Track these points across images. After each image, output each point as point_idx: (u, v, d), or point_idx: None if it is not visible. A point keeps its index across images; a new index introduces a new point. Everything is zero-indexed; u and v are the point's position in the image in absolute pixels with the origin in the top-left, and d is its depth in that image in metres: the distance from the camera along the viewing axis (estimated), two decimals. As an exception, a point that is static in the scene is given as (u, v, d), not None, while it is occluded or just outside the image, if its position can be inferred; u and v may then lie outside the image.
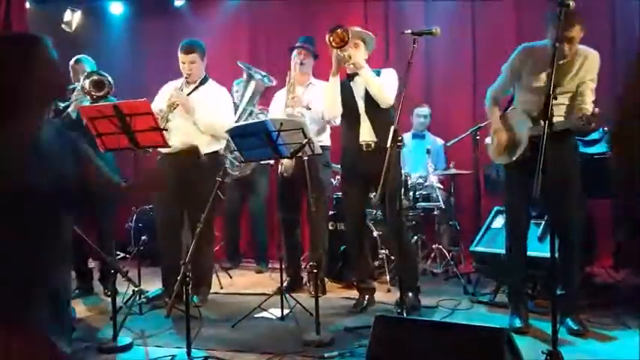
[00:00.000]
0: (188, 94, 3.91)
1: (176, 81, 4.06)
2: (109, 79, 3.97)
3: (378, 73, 3.65)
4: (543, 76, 3.11)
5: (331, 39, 3.45)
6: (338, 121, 4.19)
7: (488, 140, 3.49)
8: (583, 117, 2.89)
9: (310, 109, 4.09)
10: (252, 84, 4.79)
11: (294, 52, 4.28)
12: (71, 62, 4.29)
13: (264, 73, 4.81)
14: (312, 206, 3.50)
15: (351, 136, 3.69)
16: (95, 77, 3.96)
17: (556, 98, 2.99)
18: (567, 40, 3.00)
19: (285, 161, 4.04)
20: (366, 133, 3.63)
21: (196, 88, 3.97)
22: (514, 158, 3.23)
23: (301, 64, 4.22)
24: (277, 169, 4.23)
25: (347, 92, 3.68)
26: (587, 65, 3.11)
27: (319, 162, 4.02)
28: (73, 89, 4.09)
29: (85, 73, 4.04)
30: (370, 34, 3.70)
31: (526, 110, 3.22)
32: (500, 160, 3.37)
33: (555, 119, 3.09)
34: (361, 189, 3.69)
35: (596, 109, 2.92)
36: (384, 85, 3.55)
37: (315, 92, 4.25)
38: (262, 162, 4.55)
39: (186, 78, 3.94)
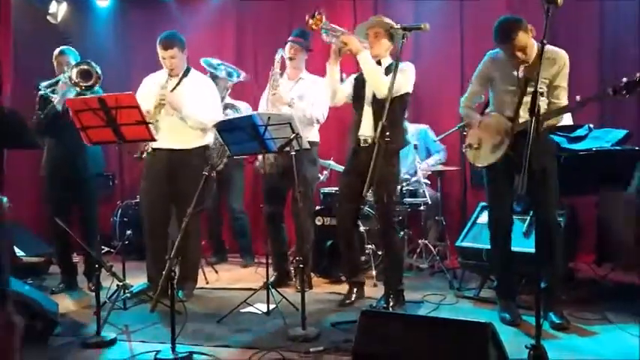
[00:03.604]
0: (173, 89, 3.86)
1: (156, 73, 3.99)
2: (97, 68, 3.91)
3: (395, 65, 3.54)
4: (510, 79, 3.24)
5: (312, 22, 3.44)
6: (322, 119, 4.19)
7: (470, 153, 3.47)
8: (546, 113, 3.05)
9: (291, 106, 4.07)
10: (217, 82, 4.75)
11: (286, 47, 4.23)
12: (55, 53, 4.21)
13: (230, 67, 4.76)
14: (298, 202, 3.48)
15: (354, 129, 3.68)
16: (83, 67, 3.88)
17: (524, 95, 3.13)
18: (519, 51, 3.12)
19: (260, 157, 4.03)
20: (366, 128, 3.59)
21: (180, 81, 3.91)
22: (496, 159, 3.28)
23: (291, 59, 4.19)
24: (256, 162, 4.21)
25: (361, 85, 3.64)
26: (557, 66, 3.15)
27: (304, 158, 4.00)
28: (57, 81, 4.03)
29: (73, 63, 3.97)
30: (396, 25, 3.35)
31: (501, 111, 3.30)
32: (482, 162, 3.39)
33: (526, 118, 3.16)
34: (356, 183, 3.65)
35: (578, 97, 2.98)
36: (381, 75, 3.45)
37: (305, 87, 4.23)
38: (236, 157, 4.52)
39: (169, 73, 3.88)
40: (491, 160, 3.32)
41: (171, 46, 3.82)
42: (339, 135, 5.42)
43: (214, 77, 4.71)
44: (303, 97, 4.17)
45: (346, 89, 3.72)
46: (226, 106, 4.74)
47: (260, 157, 4.09)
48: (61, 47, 4.24)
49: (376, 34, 3.57)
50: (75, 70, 3.85)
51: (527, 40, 3.11)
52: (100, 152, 4.28)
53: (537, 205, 3.18)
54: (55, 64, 4.20)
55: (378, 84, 3.44)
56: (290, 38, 4.27)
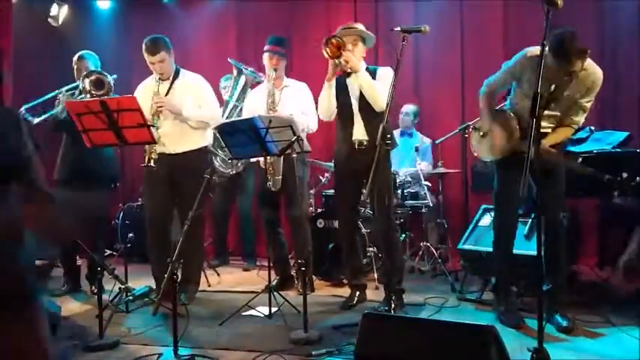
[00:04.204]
0: (166, 94, 3.85)
1: (148, 80, 3.99)
2: (109, 77, 3.93)
3: (375, 70, 3.62)
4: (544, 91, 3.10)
5: (328, 50, 3.40)
6: (315, 128, 4.17)
7: (474, 135, 3.43)
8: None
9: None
10: (242, 79, 4.76)
11: (266, 58, 4.20)
12: (74, 58, 4.21)
13: (251, 69, 4.78)
14: (295, 205, 3.45)
15: (345, 134, 3.68)
16: (93, 77, 3.91)
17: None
18: (570, 74, 2.94)
19: (273, 178, 4.02)
20: (359, 132, 3.61)
21: (172, 84, 3.88)
22: (492, 158, 3.29)
23: (275, 69, 4.14)
24: (266, 181, 4.07)
25: (342, 90, 3.65)
26: (589, 84, 3.06)
27: (296, 160, 4.01)
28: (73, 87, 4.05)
29: (84, 73, 4.00)
30: (370, 33, 3.67)
31: (521, 116, 3.22)
32: (480, 153, 3.40)
33: (543, 130, 3.12)
34: (353, 187, 3.67)
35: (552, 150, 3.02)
36: (380, 89, 3.48)
37: (290, 94, 4.19)
38: (252, 160, 4.53)
39: (160, 77, 3.87)
40: (487, 158, 3.35)
41: (158, 51, 3.77)
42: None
43: (239, 74, 4.72)
44: (294, 106, 4.12)
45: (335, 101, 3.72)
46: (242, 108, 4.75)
47: (269, 176, 4.04)
48: (81, 52, 4.25)
49: (355, 40, 3.60)
50: (87, 80, 3.88)
51: (581, 67, 2.95)
52: (115, 161, 4.25)
53: (543, 206, 3.17)
54: (74, 69, 4.20)
55: (377, 99, 3.48)
56: (268, 48, 4.20)
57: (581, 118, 3.17)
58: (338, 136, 3.77)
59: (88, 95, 3.86)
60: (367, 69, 3.61)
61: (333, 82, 3.61)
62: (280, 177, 4.00)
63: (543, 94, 3.02)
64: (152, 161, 3.73)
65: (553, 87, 3.00)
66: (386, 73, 3.58)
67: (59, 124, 4.05)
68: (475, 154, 3.50)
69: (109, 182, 4.33)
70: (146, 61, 3.87)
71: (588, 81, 3.06)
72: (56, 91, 4.08)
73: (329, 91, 3.62)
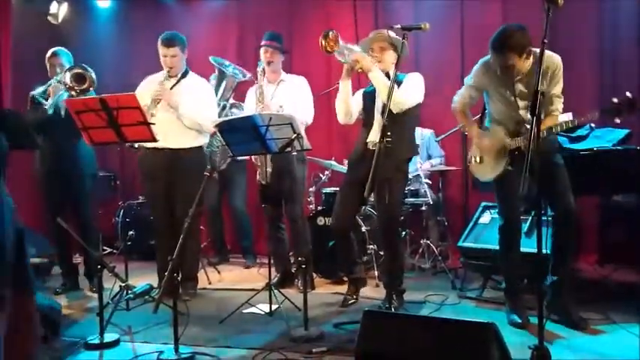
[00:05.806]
0: (171, 88, 3.89)
1: (154, 75, 4.01)
2: (91, 72, 3.92)
3: (403, 78, 3.55)
4: (506, 91, 3.21)
5: (324, 43, 3.37)
6: (310, 121, 4.13)
7: (473, 165, 3.44)
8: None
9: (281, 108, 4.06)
10: (225, 80, 4.76)
11: (261, 53, 4.19)
12: (48, 55, 4.18)
13: (237, 68, 4.78)
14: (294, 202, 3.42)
15: (363, 136, 3.65)
16: (76, 70, 3.90)
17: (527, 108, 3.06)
18: (509, 67, 3.08)
19: (259, 170, 4.02)
20: (375, 134, 3.56)
21: (178, 81, 3.94)
22: (496, 175, 3.28)
23: (268, 63, 4.13)
24: (256, 175, 4.11)
25: (370, 98, 3.63)
26: (550, 73, 3.10)
27: (295, 158, 4.01)
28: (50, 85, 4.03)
29: (66, 65, 3.98)
30: (399, 38, 3.47)
31: (500, 122, 3.29)
32: (484, 177, 3.38)
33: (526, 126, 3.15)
34: (359, 187, 3.63)
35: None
36: (399, 91, 3.41)
37: (286, 88, 4.18)
38: (239, 158, 4.52)
39: (168, 72, 3.90)
40: (491, 177, 3.32)
41: (173, 45, 3.87)
42: (340, 135, 5.43)
43: (222, 75, 4.72)
44: (288, 99, 4.12)
45: (359, 105, 3.69)
46: (232, 106, 4.76)
47: (258, 169, 4.07)
48: (54, 48, 4.23)
49: (381, 48, 3.57)
50: (68, 74, 3.88)
51: (520, 63, 3.07)
52: (92, 153, 4.24)
53: (551, 197, 3.18)
54: (47, 65, 4.18)
55: (392, 100, 3.44)
56: (263, 42, 4.20)
57: (558, 106, 3.18)
58: (358, 138, 3.73)
59: (73, 92, 3.86)
60: (396, 76, 3.53)
61: (348, 82, 3.56)
62: (269, 169, 3.99)
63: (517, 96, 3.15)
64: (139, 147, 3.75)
65: (518, 85, 3.14)
66: (411, 76, 3.56)
67: (34, 127, 4.00)
68: (482, 180, 3.44)
69: (87, 176, 4.27)
70: (147, 60, 3.88)
71: (548, 70, 3.08)
72: (50, 82, 4.04)
73: (344, 92, 3.58)
